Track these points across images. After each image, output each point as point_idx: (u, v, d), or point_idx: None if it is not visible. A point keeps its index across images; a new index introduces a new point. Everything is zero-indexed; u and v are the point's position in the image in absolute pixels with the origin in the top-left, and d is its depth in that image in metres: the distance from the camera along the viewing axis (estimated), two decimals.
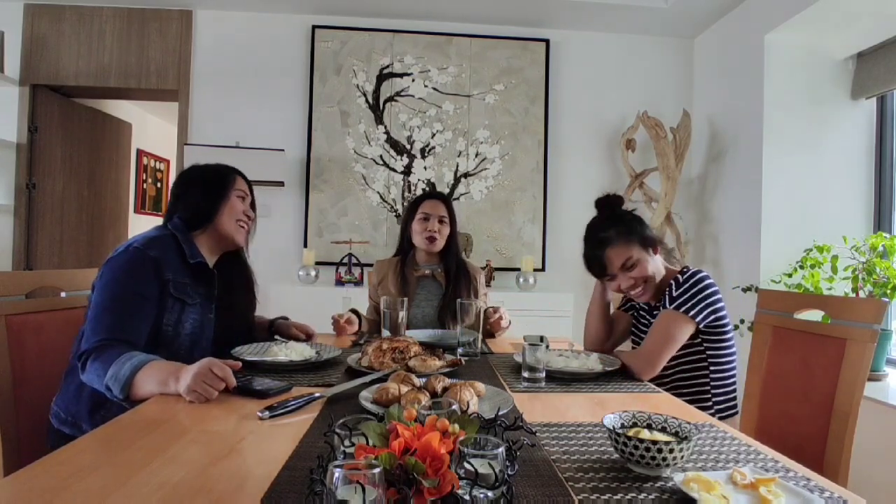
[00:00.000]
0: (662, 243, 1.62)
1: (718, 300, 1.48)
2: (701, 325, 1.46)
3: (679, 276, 1.51)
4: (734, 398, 1.53)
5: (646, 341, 1.48)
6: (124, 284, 1.29)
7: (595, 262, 1.56)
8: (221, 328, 1.50)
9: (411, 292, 2.03)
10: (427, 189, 3.63)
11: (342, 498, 0.52)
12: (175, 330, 1.36)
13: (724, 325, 1.49)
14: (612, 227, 1.54)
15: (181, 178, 1.55)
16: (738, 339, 1.61)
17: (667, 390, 1.40)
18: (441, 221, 2.04)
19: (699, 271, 1.51)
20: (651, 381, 1.46)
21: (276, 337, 1.73)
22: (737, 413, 1.54)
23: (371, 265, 2.62)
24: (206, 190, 1.50)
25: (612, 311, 1.77)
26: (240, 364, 1.19)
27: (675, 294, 1.47)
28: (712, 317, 1.46)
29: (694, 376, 1.52)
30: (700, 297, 1.45)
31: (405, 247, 2.11)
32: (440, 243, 2.04)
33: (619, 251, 1.52)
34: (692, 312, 1.44)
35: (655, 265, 1.56)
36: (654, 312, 1.59)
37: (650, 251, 1.55)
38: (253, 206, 1.61)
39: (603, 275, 1.58)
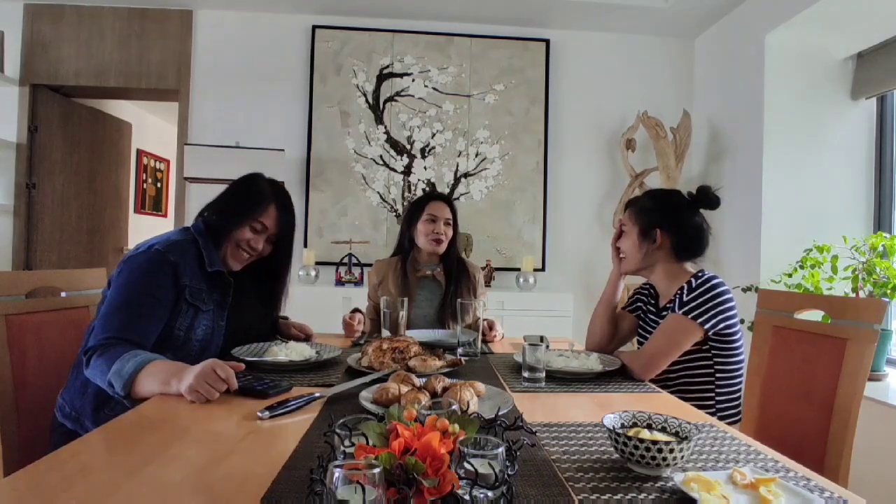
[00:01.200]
0: (676, 254, 1.57)
1: (730, 308, 1.45)
2: (710, 333, 1.43)
3: (693, 279, 1.48)
4: (738, 405, 1.51)
5: (649, 342, 1.47)
6: (140, 285, 1.29)
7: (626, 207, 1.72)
8: (232, 336, 1.50)
9: (412, 292, 2.03)
10: (427, 189, 3.62)
11: (342, 498, 0.52)
12: (187, 335, 1.37)
13: (734, 334, 1.47)
14: (651, 200, 1.63)
15: (235, 181, 1.55)
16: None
17: (671, 393, 1.40)
18: (447, 224, 2.05)
19: (714, 277, 1.48)
20: (656, 383, 1.45)
21: (276, 337, 1.73)
22: (740, 420, 1.53)
23: (371, 265, 2.61)
24: (229, 206, 1.49)
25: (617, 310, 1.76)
26: (243, 366, 1.19)
27: (685, 299, 1.45)
28: (722, 325, 1.43)
29: (699, 381, 1.50)
30: (711, 304, 1.42)
31: (406, 247, 2.11)
32: (445, 245, 2.05)
33: (629, 214, 1.64)
34: (700, 319, 1.41)
35: (645, 255, 1.58)
36: (663, 313, 1.57)
37: (648, 239, 1.57)
38: (273, 240, 1.52)
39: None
